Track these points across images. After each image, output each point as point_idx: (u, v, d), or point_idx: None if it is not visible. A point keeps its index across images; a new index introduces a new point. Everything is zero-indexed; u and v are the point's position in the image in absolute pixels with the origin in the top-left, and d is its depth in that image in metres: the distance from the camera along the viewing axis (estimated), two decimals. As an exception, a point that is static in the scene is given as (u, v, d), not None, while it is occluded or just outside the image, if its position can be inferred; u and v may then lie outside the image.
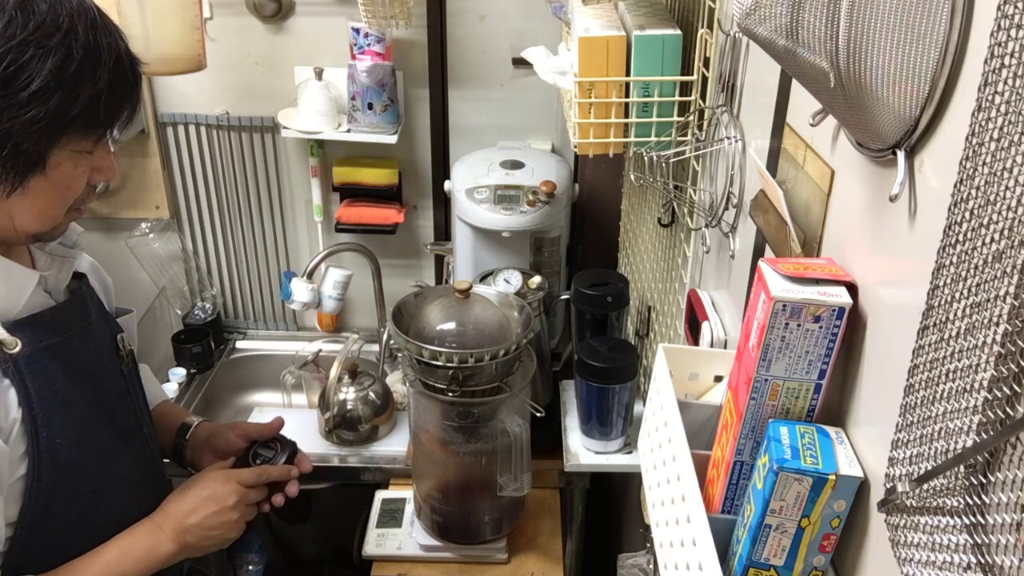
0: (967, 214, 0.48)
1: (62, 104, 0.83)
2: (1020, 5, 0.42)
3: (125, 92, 0.90)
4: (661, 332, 1.48)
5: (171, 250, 2.14)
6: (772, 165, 0.90)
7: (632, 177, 1.47)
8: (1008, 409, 0.44)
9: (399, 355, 2.04)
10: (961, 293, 0.49)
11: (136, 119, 0.97)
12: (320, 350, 2.05)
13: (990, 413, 0.45)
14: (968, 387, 0.47)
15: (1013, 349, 0.43)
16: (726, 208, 1.04)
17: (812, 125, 0.72)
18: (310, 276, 1.90)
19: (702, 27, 1.10)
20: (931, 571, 0.50)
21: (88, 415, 0.98)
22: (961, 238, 0.49)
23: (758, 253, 0.94)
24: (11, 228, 0.90)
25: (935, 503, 0.50)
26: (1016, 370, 0.43)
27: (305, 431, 1.80)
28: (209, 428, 1.28)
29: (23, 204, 0.87)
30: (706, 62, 1.12)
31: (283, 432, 1.28)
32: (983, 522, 0.45)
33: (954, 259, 0.50)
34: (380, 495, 1.64)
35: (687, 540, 0.72)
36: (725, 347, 1.05)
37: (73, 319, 1.00)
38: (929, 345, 0.52)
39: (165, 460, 1.23)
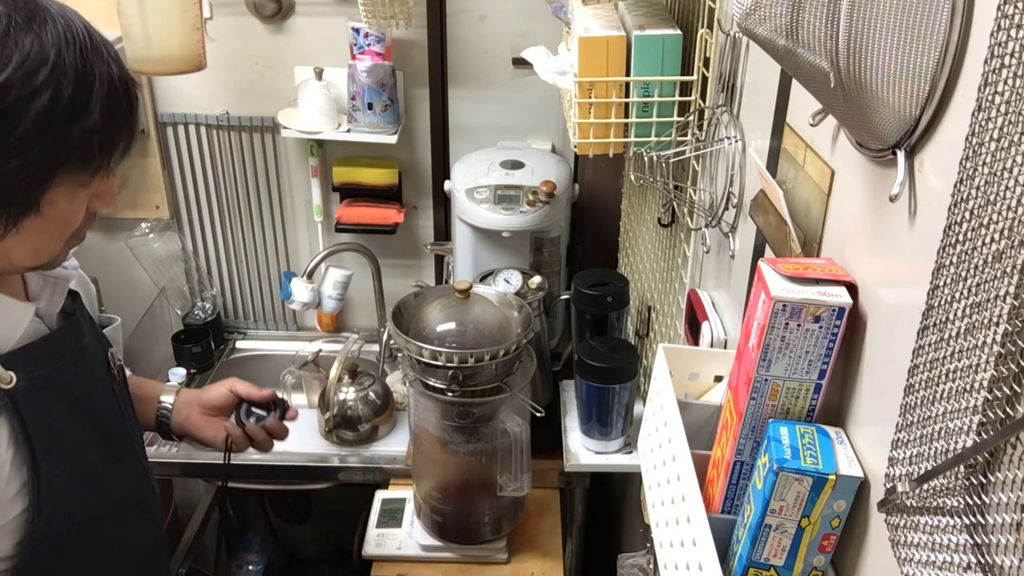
0: (967, 214, 0.48)
1: (51, 146, 0.77)
2: (1020, 5, 0.42)
3: (119, 122, 0.83)
4: (661, 332, 1.48)
5: (171, 250, 2.14)
6: (772, 165, 0.90)
7: (632, 177, 1.47)
8: (1008, 409, 0.44)
9: (399, 355, 2.04)
10: (961, 293, 0.49)
11: (134, 143, 0.90)
12: (320, 350, 2.05)
13: (990, 413, 0.45)
14: (968, 387, 0.47)
15: (1013, 349, 0.43)
16: (726, 208, 1.04)
17: (812, 125, 0.72)
18: (310, 276, 1.90)
19: (702, 27, 1.10)
20: (931, 571, 0.50)
21: (81, 441, 0.95)
22: (961, 238, 0.49)
23: (758, 253, 0.94)
24: (8, 264, 0.85)
25: (935, 503, 0.50)
26: (1016, 370, 0.43)
27: (305, 431, 1.80)
28: (191, 392, 1.27)
29: (19, 243, 0.82)
30: (706, 62, 1.12)
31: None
32: (983, 522, 0.45)
33: (954, 259, 0.50)
34: (380, 495, 1.64)
35: (687, 540, 0.72)
36: (725, 347, 1.05)
37: (67, 346, 0.95)
38: (929, 345, 0.52)
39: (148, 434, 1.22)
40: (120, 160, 0.87)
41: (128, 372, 1.31)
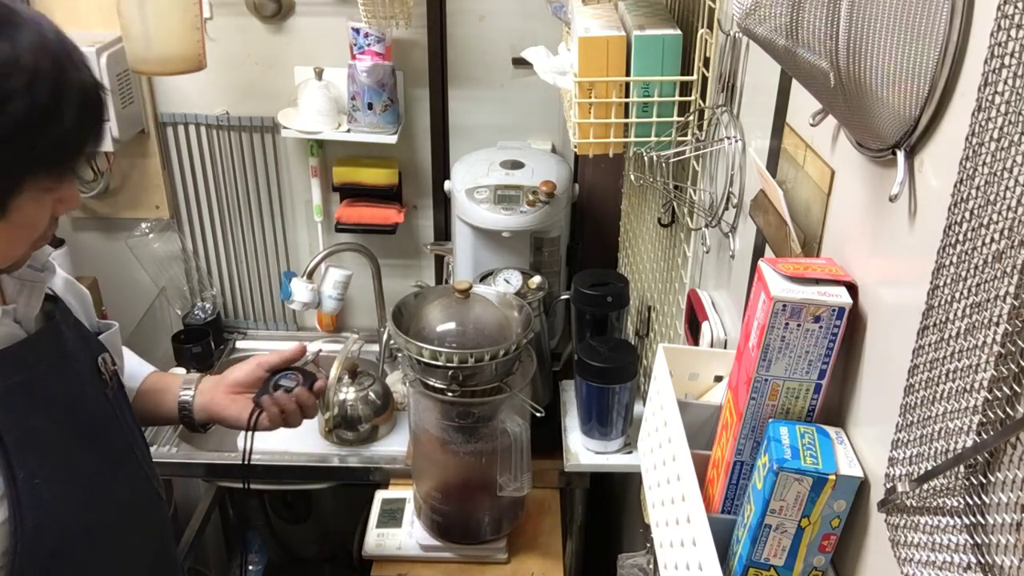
0: (967, 214, 0.48)
1: (23, 152, 0.77)
2: (1020, 5, 0.42)
3: (89, 129, 0.83)
4: (661, 332, 1.48)
5: (171, 250, 2.14)
6: (772, 165, 0.90)
7: (632, 177, 1.47)
8: (1008, 409, 0.44)
9: (399, 355, 2.04)
10: (961, 293, 0.49)
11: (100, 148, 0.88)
12: (320, 350, 2.04)
13: (990, 413, 0.45)
14: (968, 387, 0.47)
15: (1013, 349, 0.43)
16: (726, 208, 1.04)
17: (812, 125, 0.72)
18: (310, 276, 1.90)
19: (702, 27, 1.10)
20: (931, 571, 0.50)
21: (69, 447, 0.93)
22: (961, 238, 0.49)
23: (758, 253, 0.94)
24: None
25: (935, 503, 0.50)
26: (1016, 370, 0.43)
27: (305, 431, 1.79)
28: (214, 377, 1.22)
29: None
30: (706, 62, 1.12)
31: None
32: (983, 522, 0.45)
33: (954, 259, 0.50)
34: (380, 495, 1.64)
35: (687, 540, 0.72)
36: (725, 347, 1.05)
37: (45, 351, 0.93)
38: (929, 345, 0.52)
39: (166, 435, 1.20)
40: (87, 163, 0.85)
41: (152, 368, 1.27)
